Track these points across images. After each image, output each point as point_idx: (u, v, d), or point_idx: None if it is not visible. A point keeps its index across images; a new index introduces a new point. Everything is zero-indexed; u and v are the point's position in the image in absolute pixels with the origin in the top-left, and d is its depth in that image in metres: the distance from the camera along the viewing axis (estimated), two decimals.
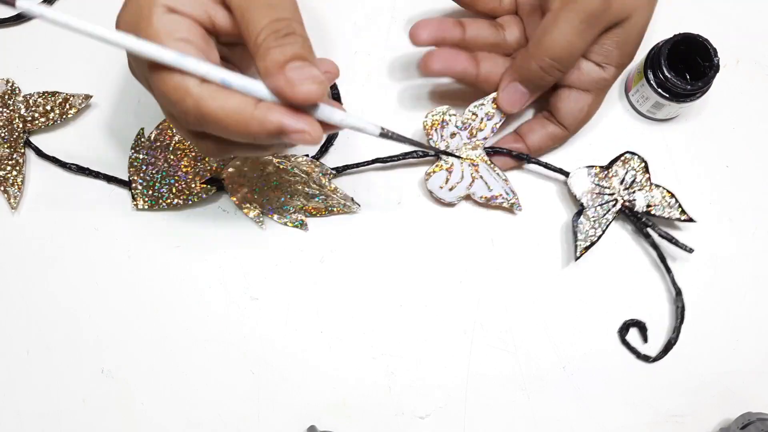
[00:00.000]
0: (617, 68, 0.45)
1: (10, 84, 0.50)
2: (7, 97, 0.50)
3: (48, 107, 0.49)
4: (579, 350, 0.47)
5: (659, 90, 0.47)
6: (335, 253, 0.49)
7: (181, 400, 0.47)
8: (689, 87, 0.46)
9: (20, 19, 0.53)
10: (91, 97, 0.50)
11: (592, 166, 0.47)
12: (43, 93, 0.50)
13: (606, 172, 0.47)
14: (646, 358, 0.46)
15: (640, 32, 0.45)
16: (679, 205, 0.46)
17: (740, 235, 0.49)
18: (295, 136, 0.33)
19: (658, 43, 0.47)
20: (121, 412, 0.47)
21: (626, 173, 0.47)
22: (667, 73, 0.46)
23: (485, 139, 0.47)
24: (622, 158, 0.47)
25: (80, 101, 0.50)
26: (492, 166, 0.47)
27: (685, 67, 0.48)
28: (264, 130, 0.33)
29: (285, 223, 0.48)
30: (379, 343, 0.47)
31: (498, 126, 0.47)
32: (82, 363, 0.47)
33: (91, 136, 0.51)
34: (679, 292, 0.46)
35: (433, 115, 0.47)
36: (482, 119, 0.47)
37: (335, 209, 0.48)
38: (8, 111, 0.49)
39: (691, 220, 0.46)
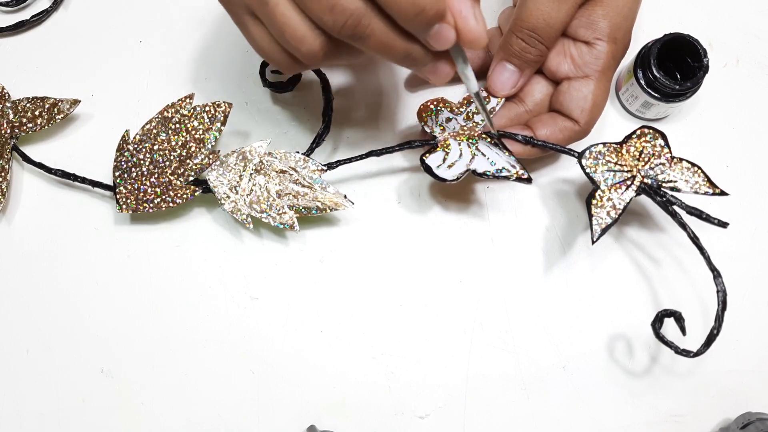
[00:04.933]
0: (609, 43, 0.44)
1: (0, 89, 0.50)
2: None
3: (36, 112, 0.49)
4: (579, 350, 0.47)
5: (648, 89, 0.47)
6: (335, 253, 0.49)
7: (181, 399, 0.47)
8: (678, 87, 0.46)
9: (21, 27, 0.53)
10: (80, 102, 0.50)
11: (606, 143, 0.44)
12: (32, 98, 0.49)
13: (621, 148, 0.44)
14: (686, 353, 0.42)
15: (627, 1, 0.44)
16: (707, 178, 0.43)
17: (740, 235, 0.49)
18: (445, 32, 0.35)
19: (648, 43, 0.47)
20: (121, 412, 0.47)
21: (643, 147, 0.43)
22: (656, 73, 0.46)
23: (483, 121, 0.46)
24: (638, 132, 0.44)
25: (68, 106, 0.49)
26: (492, 141, 0.45)
27: (675, 67, 0.48)
28: (434, 7, 0.34)
29: (275, 225, 0.46)
30: (379, 343, 0.47)
31: (496, 109, 0.46)
32: (82, 362, 0.47)
33: (92, 143, 0.51)
34: (717, 274, 0.42)
35: (427, 104, 0.46)
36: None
37: (327, 207, 0.46)
38: None
39: (723, 193, 0.43)
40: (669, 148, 0.43)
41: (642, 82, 0.47)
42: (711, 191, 0.43)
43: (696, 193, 0.43)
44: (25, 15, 0.53)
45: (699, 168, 0.43)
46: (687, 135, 0.50)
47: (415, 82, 0.51)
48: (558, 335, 0.47)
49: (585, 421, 0.46)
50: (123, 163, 0.47)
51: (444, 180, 0.44)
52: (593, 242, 0.42)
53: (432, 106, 0.46)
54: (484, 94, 0.47)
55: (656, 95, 0.47)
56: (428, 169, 0.44)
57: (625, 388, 0.46)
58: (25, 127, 0.49)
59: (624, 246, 0.48)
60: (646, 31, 0.52)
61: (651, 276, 0.48)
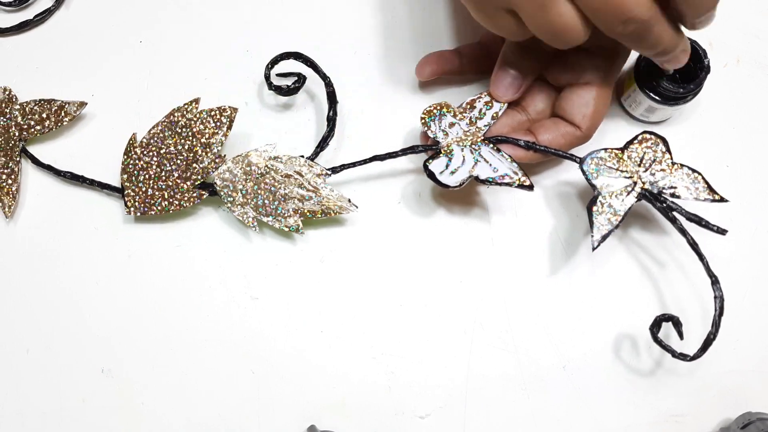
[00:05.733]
0: (611, 49, 0.44)
1: (7, 92, 0.50)
2: (4, 105, 0.50)
3: (44, 115, 0.49)
4: (579, 350, 0.47)
5: (651, 94, 0.47)
6: (335, 253, 0.49)
7: (182, 399, 0.47)
8: (681, 90, 0.46)
9: (24, 27, 0.53)
10: (86, 104, 0.50)
11: (607, 149, 0.44)
12: (39, 101, 0.50)
13: (623, 154, 0.44)
14: (683, 357, 0.43)
15: None
16: (707, 185, 0.43)
17: (740, 235, 0.49)
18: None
19: None
20: (122, 412, 0.47)
21: (644, 153, 0.43)
22: (658, 78, 0.46)
23: (486, 126, 0.46)
24: (639, 138, 0.44)
25: (75, 108, 0.50)
26: (495, 148, 0.45)
27: (675, 69, 0.48)
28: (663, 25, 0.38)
29: (281, 228, 0.46)
30: (379, 343, 0.47)
31: (499, 114, 0.46)
32: (82, 362, 0.47)
33: (92, 142, 0.51)
34: (715, 281, 0.42)
35: (430, 109, 0.46)
36: (481, 109, 0.46)
37: (332, 211, 0.46)
38: (5, 120, 0.49)
39: (722, 199, 0.43)
40: (670, 153, 0.44)
41: (644, 88, 0.47)
42: (711, 198, 0.43)
43: (696, 199, 0.43)
44: (28, 15, 0.53)
45: (699, 174, 0.43)
46: (687, 136, 0.50)
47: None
48: (558, 335, 0.47)
49: (585, 421, 0.46)
50: (130, 166, 0.47)
51: (447, 186, 0.44)
52: (593, 249, 0.42)
53: (435, 110, 0.46)
54: (487, 98, 0.47)
55: (659, 100, 0.47)
56: (431, 175, 0.44)
57: (626, 388, 0.46)
58: (33, 130, 0.49)
59: (626, 248, 0.48)
60: None
61: (652, 278, 0.48)
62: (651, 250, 0.48)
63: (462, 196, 0.49)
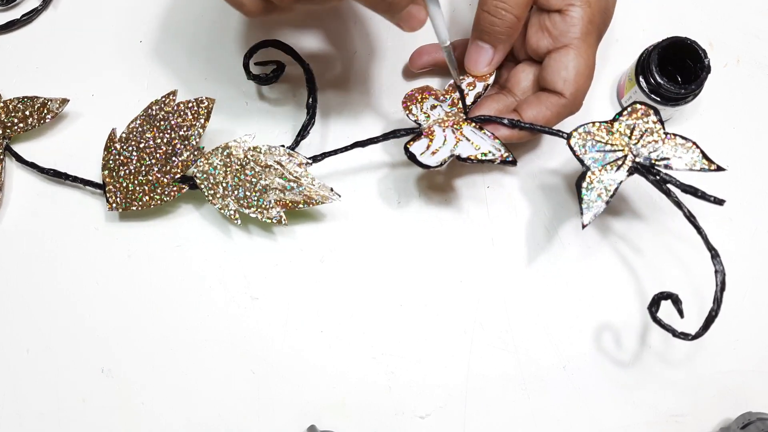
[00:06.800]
0: (583, 7, 0.42)
1: None
2: None
3: (27, 112, 0.49)
4: (579, 350, 0.47)
5: (652, 96, 0.47)
6: (335, 253, 0.49)
7: (182, 399, 0.47)
8: (683, 91, 0.46)
9: (14, 25, 0.53)
10: (68, 101, 0.50)
11: (595, 122, 0.42)
12: (22, 98, 0.50)
13: (612, 126, 0.42)
14: (684, 336, 0.41)
15: None
16: (703, 153, 0.41)
17: (740, 235, 0.49)
18: None
19: (648, 48, 0.47)
20: (121, 412, 0.47)
21: (635, 125, 0.41)
22: (659, 79, 0.46)
23: (468, 106, 0.46)
24: (629, 109, 0.42)
25: (57, 105, 0.50)
26: (477, 127, 0.45)
27: (675, 69, 0.48)
28: None
29: (263, 220, 0.46)
30: (379, 343, 0.47)
31: (483, 94, 0.46)
32: (82, 362, 0.47)
33: (92, 142, 0.51)
34: (715, 254, 0.40)
35: (411, 93, 0.46)
36: (464, 90, 0.46)
37: (314, 201, 0.46)
38: None
39: (720, 168, 0.41)
40: (662, 123, 0.42)
41: (646, 89, 0.47)
42: (707, 167, 0.41)
43: (691, 170, 0.41)
44: (16, 14, 0.53)
45: (693, 143, 0.41)
46: (688, 136, 0.50)
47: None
48: (558, 335, 0.47)
49: (585, 421, 0.46)
50: (110, 161, 0.47)
51: (428, 167, 0.43)
52: (583, 226, 0.40)
53: (417, 94, 0.46)
54: (470, 80, 0.47)
55: (660, 100, 0.47)
56: (412, 157, 0.43)
57: (626, 388, 0.46)
58: (16, 128, 0.49)
59: (624, 247, 0.48)
60: (646, 30, 0.52)
61: (652, 276, 0.48)
62: (650, 249, 0.48)
63: (462, 195, 0.49)
